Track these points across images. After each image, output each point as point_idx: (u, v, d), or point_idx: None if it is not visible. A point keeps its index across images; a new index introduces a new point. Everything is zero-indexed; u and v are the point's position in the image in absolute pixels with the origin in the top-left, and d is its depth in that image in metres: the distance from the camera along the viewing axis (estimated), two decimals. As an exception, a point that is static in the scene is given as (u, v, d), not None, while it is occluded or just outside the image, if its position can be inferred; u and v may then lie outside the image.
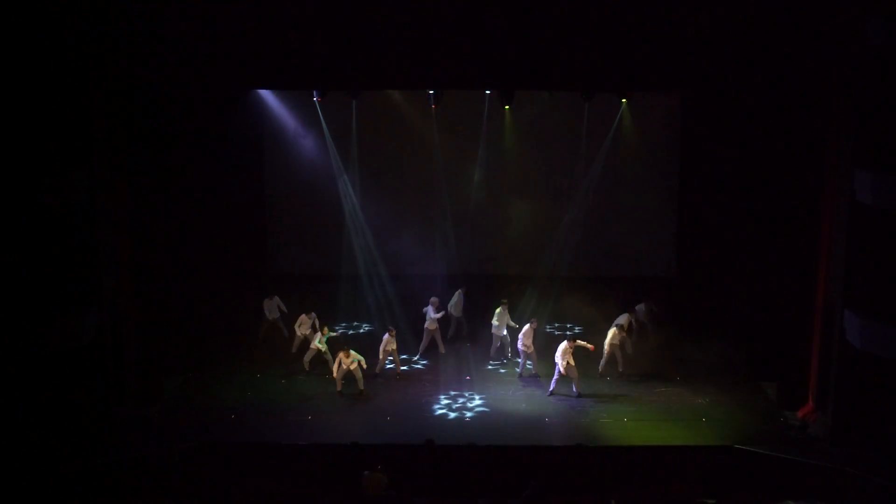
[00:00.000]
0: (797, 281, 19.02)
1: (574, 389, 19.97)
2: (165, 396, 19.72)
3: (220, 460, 17.23)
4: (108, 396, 18.13)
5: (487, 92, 23.84)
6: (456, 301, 23.08)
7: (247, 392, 20.28)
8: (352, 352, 19.91)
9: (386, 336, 20.87)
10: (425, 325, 22.28)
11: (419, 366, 21.70)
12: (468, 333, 23.21)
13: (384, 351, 20.90)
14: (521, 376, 21.06)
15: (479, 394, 20.28)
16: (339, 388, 20.03)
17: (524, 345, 20.75)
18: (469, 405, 19.72)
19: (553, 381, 20.04)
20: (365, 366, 20.07)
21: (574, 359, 19.95)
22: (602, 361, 21.00)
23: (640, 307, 22.98)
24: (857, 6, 16.75)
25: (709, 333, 23.99)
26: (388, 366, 21.25)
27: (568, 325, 23.52)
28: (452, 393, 20.30)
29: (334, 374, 20.03)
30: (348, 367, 19.81)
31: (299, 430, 18.33)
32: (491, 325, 21.86)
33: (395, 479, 15.98)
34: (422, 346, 22.31)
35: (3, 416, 17.06)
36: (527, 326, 20.85)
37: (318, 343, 21.05)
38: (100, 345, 17.80)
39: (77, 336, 17.16)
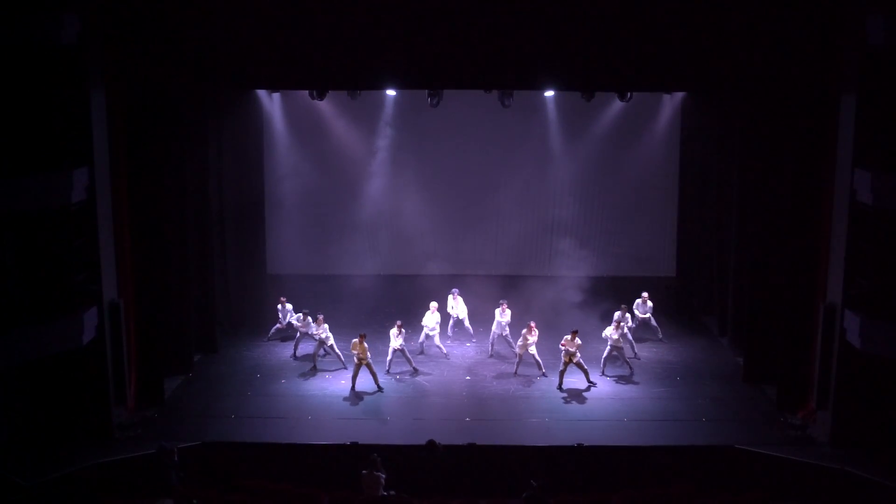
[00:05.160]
0: (797, 281, 19.01)
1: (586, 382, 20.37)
2: (165, 396, 19.72)
3: (220, 460, 17.23)
4: (108, 396, 18.13)
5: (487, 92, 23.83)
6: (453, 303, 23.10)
7: (247, 392, 20.28)
8: (364, 343, 20.02)
9: (393, 331, 20.89)
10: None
11: (418, 366, 21.64)
12: (472, 333, 23.24)
13: (392, 349, 20.92)
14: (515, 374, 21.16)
15: (478, 393, 20.27)
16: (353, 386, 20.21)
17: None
18: (468, 405, 19.71)
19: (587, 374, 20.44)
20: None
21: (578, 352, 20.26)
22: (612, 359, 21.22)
23: (638, 303, 23.05)
24: (857, 6, 16.76)
25: (709, 333, 24.08)
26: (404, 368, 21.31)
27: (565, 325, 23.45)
28: (452, 392, 20.29)
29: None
30: (360, 358, 19.86)
31: (299, 430, 18.34)
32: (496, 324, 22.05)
33: (396, 480, 15.98)
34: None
35: (4, 417, 17.07)
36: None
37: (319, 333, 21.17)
38: (100, 345, 17.80)
39: (77, 336, 17.16)
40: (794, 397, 19.14)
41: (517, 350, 21.08)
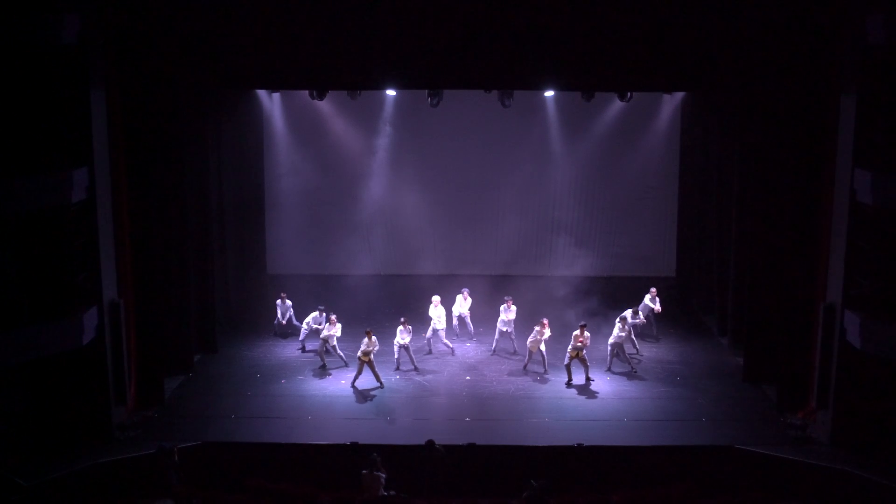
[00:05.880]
0: (797, 281, 19.01)
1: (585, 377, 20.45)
2: (165, 396, 19.72)
3: (220, 460, 17.23)
4: (108, 396, 18.13)
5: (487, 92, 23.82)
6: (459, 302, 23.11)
7: (247, 392, 20.28)
8: (373, 337, 20.00)
9: (399, 329, 20.87)
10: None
11: (419, 366, 21.64)
12: (473, 332, 23.24)
13: (398, 346, 20.94)
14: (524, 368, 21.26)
15: (478, 393, 20.27)
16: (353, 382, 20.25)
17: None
18: (469, 405, 19.71)
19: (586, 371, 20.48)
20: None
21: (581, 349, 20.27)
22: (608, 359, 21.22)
23: (646, 301, 23.04)
24: (857, 6, 16.76)
25: (709, 333, 24.07)
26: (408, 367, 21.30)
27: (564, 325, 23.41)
28: (453, 392, 20.29)
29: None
30: (368, 354, 19.84)
31: (299, 430, 18.33)
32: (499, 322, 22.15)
33: (396, 480, 15.99)
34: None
35: (4, 417, 17.07)
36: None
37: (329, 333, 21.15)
38: (100, 345, 17.81)
39: (77, 336, 17.16)
40: (794, 397, 19.13)
41: (528, 346, 21.04)
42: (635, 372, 21.06)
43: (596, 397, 19.99)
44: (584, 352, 20.25)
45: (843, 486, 16.45)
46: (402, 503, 15.48)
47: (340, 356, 21.23)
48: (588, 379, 20.48)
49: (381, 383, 20.25)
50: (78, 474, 16.52)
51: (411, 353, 21.18)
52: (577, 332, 20.26)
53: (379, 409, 19.48)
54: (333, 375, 21.00)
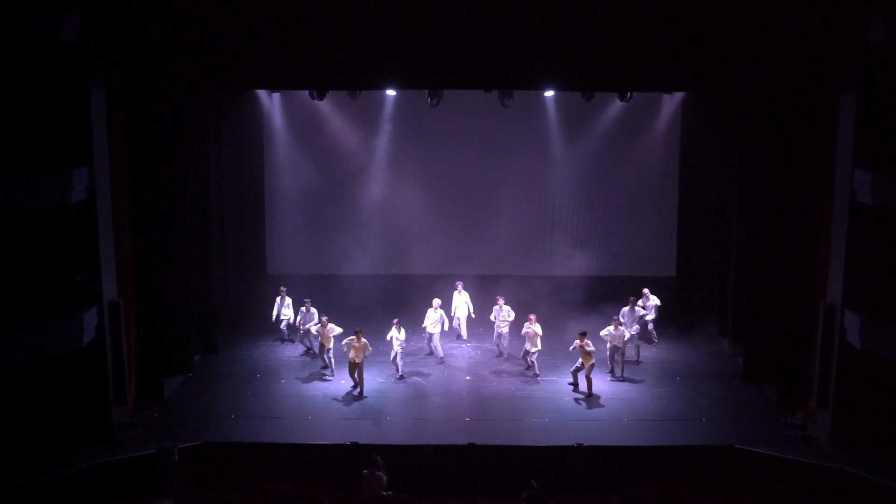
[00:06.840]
0: (797, 281, 19.02)
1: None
2: (165, 396, 19.72)
3: (220, 460, 17.23)
4: (108, 396, 18.13)
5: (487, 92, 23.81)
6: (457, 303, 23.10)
7: (247, 392, 20.28)
8: (363, 339, 19.84)
9: (393, 330, 20.74)
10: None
11: (419, 366, 21.65)
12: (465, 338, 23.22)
13: (395, 347, 20.75)
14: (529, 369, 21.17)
15: (478, 393, 20.28)
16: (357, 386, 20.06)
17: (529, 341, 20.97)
18: (468, 405, 19.71)
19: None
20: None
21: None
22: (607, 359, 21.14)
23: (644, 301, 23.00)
24: (857, 6, 16.76)
25: (709, 333, 24.07)
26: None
27: (563, 325, 23.39)
28: (452, 392, 20.29)
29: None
30: (356, 356, 19.69)
31: (299, 430, 18.33)
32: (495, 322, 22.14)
33: (396, 479, 15.99)
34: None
35: (4, 417, 17.08)
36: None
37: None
38: (100, 345, 17.81)
39: (77, 336, 17.16)
40: (794, 397, 19.15)
41: (525, 346, 21.03)
42: (621, 378, 20.88)
43: (596, 397, 19.97)
44: (592, 361, 19.93)
45: (843, 486, 16.45)
46: (402, 503, 15.47)
47: (329, 360, 21.03)
48: (572, 384, 20.33)
49: (361, 394, 20.03)
50: (78, 474, 16.52)
51: (398, 358, 20.81)
52: (578, 341, 19.99)
53: (379, 409, 19.46)
54: (333, 375, 20.98)
